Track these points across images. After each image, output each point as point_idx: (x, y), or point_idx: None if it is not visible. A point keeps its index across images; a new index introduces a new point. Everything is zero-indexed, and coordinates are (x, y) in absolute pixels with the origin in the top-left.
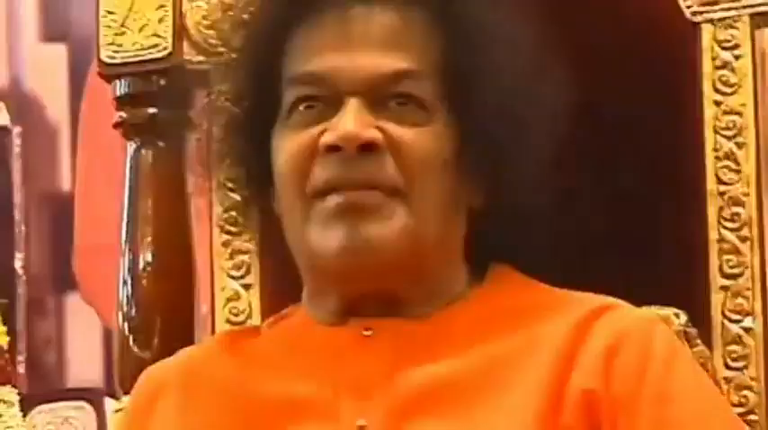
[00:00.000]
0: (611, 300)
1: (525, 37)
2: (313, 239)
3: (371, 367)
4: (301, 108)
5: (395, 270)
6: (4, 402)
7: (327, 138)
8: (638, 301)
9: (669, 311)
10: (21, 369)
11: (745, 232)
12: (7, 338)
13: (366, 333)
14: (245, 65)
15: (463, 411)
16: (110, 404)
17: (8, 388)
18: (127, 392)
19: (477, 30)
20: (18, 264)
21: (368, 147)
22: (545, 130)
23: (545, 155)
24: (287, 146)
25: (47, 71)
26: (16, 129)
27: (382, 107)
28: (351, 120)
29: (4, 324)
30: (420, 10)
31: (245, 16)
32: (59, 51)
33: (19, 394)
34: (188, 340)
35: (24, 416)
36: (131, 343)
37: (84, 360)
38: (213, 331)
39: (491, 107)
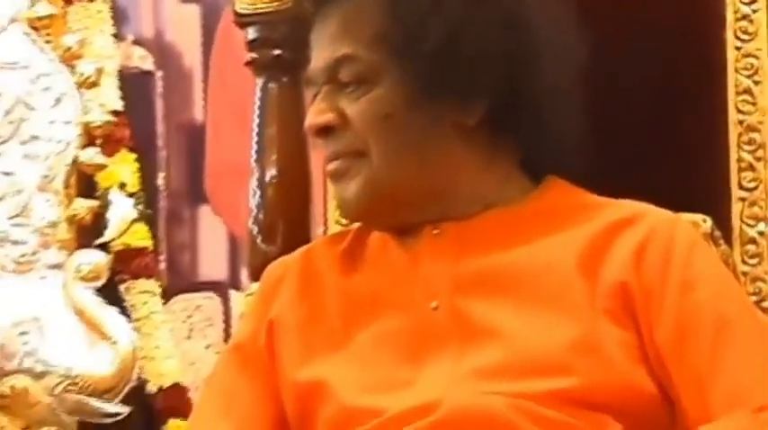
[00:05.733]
0: (644, 205)
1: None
2: None
3: (440, 260)
4: None
5: (388, 211)
6: (149, 292)
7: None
8: (673, 209)
9: (698, 217)
10: (162, 266)
11: (759, 153)
12: (151, 242)
13: (434, 232)
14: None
15: (517, 294)
16: (233, 295)
17: (152, 281)
18: (255, 280)
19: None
20: (160, 182)
21: (325, 130)
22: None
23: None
24: None
25: (183, 26)
26: (159, 73)
27: (339, 88)
28: (310, 112)
29: (149, 230)
30: None
31: None
32: (193, 10)
33: (161, 286)
34: (305, 238)
35: (165, 303)
36: (259, 241)
37: (212, 259)
38: (326, 231)
39: (425, 43)
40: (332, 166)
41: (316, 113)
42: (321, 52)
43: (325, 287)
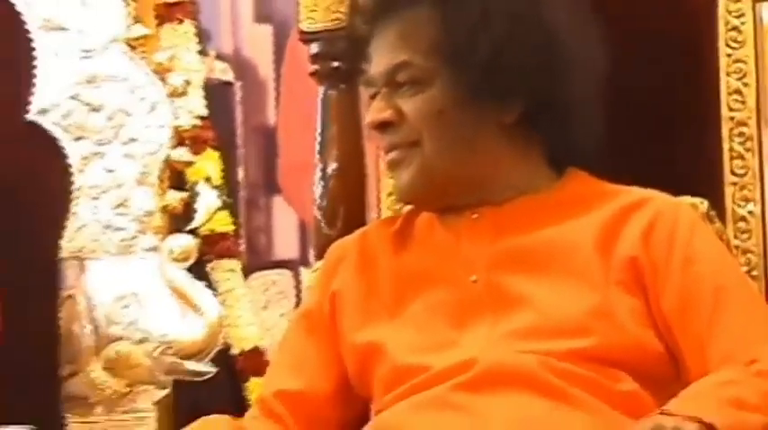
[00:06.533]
0: (652, 191)
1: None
2: None
3: (478, 240)
4: None
5: (437, 195)
6: (232, 270)
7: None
8: (675, 193)
9: (696, 200)
10: (242, 248)
11: (748, 145)
12: (233, 227)
13: (474, 216)
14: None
15: (544, 269)
16: (303, 271)
17: (234, 261)
18: (320, 258)
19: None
20: (240, 176)
21: (384, 124)
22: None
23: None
24: None
25: (258, 43)
26: (238, 84)
27: (396, 89)
28: (371, 110)
29: (231, 217)
30: (419, 12)
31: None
32: (266, 30)
33: (241, 265)
34: (361, 222)
35: (245, 279)
36: (323, 225)
37: (284, 241)
38: (379, 216)
39: (473, 55)
40: (389, 156)
41: (376, 111)
42: (381, 59)
43: (379, 263)
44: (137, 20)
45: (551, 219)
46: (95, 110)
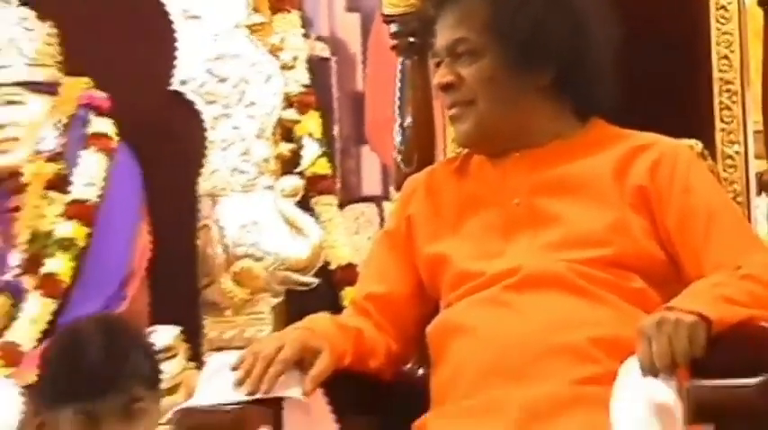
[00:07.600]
0: (657, 135)
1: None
2: None
3: (520, 172)
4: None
5: (490, 141)
6: (330, 204)
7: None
8: (676, 136)
9: (693, 142)
10: (338, 186)
11: (734, 99)
12: (331, 170)
13: (517, 155)
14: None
15: (572, 194)
16: (385, 204)
17: (332, 196)
18: (398, 190)
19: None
20: (336, 130)
21: (447, 86)
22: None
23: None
24: None
25: (349, 27)
26: (333, 59)
27: (456, 58)
28: (437, 75)
29: (329, 163)
30: None
31: None
32: (355, 17)
33: (337, 200)
34: (431, 162)
35: (340, 210)
36: (402, 165)
37: (371, 181)
38: (445, 157)
39: (516, 32)
40: (451, 112)
41: (441, 76)
42: (444, 35)
43: (443, 193)
44: (255, 10)
45: (578, 156)
46: (223, 80)
